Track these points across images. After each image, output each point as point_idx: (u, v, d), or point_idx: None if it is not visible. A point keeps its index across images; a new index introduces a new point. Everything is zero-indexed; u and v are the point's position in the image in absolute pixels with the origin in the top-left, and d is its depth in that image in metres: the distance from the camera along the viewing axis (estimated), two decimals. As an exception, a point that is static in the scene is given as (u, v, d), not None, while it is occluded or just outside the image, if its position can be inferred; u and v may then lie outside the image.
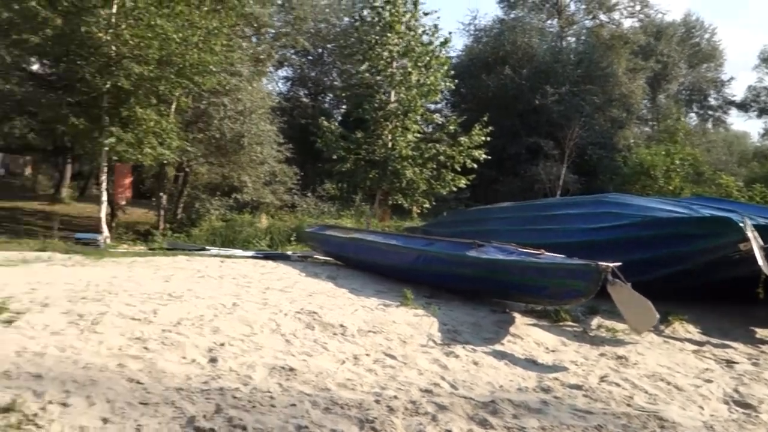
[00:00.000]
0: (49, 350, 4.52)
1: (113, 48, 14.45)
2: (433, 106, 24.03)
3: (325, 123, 17.40)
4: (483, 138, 16.68)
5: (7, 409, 3.53)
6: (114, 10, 14.46)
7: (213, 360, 4.64)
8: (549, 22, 38.03)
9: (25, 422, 3.42)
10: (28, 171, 36.40)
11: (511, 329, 6.16)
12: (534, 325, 6.45)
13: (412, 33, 17.58)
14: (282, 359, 4.80)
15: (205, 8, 15.91)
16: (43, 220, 21.57)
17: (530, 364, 5.23)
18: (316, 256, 11.73)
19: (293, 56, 33.27)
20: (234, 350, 4.90)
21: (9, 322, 5.01)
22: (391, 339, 5.58)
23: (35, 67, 21.57)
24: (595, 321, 6.80)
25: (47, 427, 3.37)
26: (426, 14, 18.21)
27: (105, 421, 3.52)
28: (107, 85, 14.38)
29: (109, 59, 14.46)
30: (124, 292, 6.42)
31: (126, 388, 3.98)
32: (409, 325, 6.01)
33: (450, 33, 19.71)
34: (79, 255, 9.68)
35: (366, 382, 4.48)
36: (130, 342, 4.85)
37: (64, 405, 3.67)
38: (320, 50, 33.98)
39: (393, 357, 5.10)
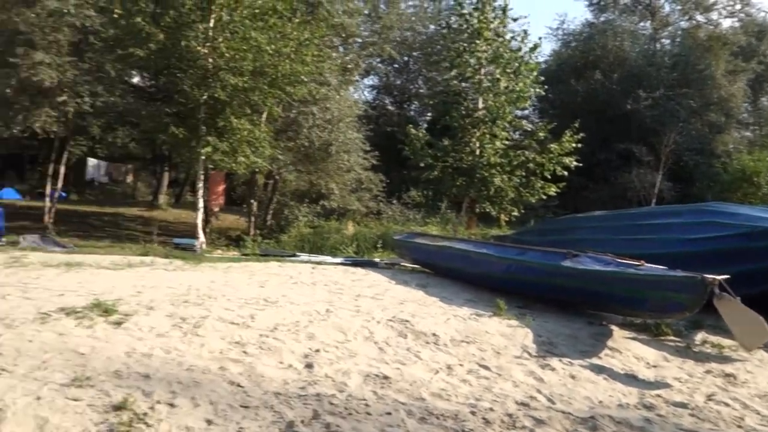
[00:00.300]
0: (156, 352, 4.71)
1: (210, 60, 15.04)
2: (520, 113, 23.66)
3: (413, 131, 17.46)
4: (573, 144, 16.30)
5: (120, 407, 3.70)
6: (211, 24, 15.05)
7: (309, 366, 4.71)
8: (642, 24, 36.79)
9: (135, 420, 3.57)
10: (129, 179, 38.31)
11: (609, 342, 5.95)
12: (633, 338, 6.21)
13: (500, 39, 17.42)
14: (376, 367, 4.82)
15: (297, 20, 16.31)
16: (142, 226, 22.63)
17: (630, 379, 5.03)
18: (403, 264, 11.74)
19: (379, 65, 33.63)
20: (329, 356, 4.96)
21: (118, 323, 5.26)
22: (485, 349, 5.50)
23: (136, 79, 22.72)
24: (700, 336, 6.47)
25: (156, 426, 3.50)
26: (515, 20, 18.01)
27: (209, 422, 3.63)
28: (204, 96, 14.97)
29: (206, 71, 15.06)
30: (222, 296, 6.63)
31: (227, 391, 4.10)
32: (502, 336, 5.91)
33: (540, 38, 19.42)
34: (179, 260, 10.08)
35: (460, 393, 4.43)
36: (230, 346, 4.99)
37: (171, 405, 3.81)
38: (406, 58, 34.19)
39: (487, 368, 5.02)
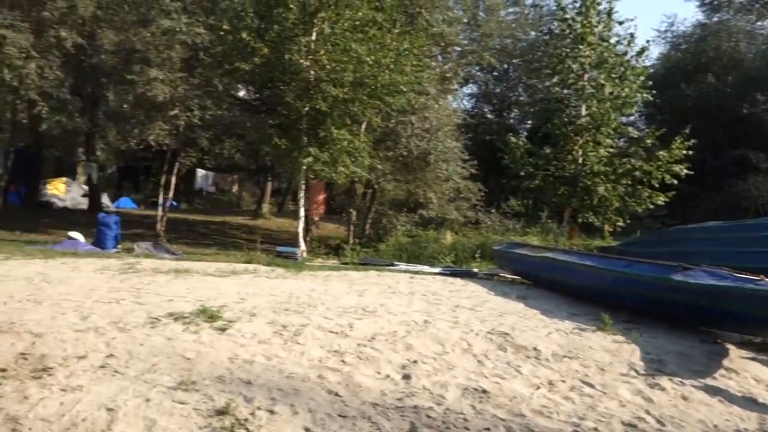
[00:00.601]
0: (257, 358, 4.81)
1: (312, 73, 15.41)
2: (626, 119, 22.78)
3: (513, 139, 17.14)
4: (684, 151, 15.49)
5: (222, 412, 3.80)
6: (313, 37, 15.43)
7: (406, 377, 4.67)
8: (759, 23, 34.58)
9: (237, 426, 3.65)
10: (234, 188, 39.80)
11: (725, 362, 5.57)
12: (752, 359, 5.78)
13: (605, 43, 16.81)
14: (474, 380, 4.71)
15: (397, 31, 16.44)
16: (246, 234, 23.41)
17: (749, 402, 4.67)
18: (502, 274, 11.53)
19: (478, 73, 33.37)
20: (427, 368, 4.90)
21: (222, 329, 5.42)
22: (588, 366, 5.28)
23: (242, 93, 23.62)
24: (827, 358, 5.96)
25: (257, 432, 3.57)
26: (620, 23, 17.35)
27: (307, 430, 3.66)
28: (306, 108, 15.35)
29: (308, 83, 15.43)
30: (322, 305, 6.72)
31: (326, 400, 4.12)
32: (607, 352, 5.65)
33: (647, 41, 18.66)
34: (280, 268, 10.33)
35: (563, 411, 4.25)
36: (329, 354, 5.03)
37: (271, 412, 3.87)
38: (506, 66, 33.76)
39: (591, 385, 4.81)
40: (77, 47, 19.12)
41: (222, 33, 15.65)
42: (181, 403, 3.95)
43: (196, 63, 19.15)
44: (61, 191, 28.97)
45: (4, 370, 4.35)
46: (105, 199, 28.63)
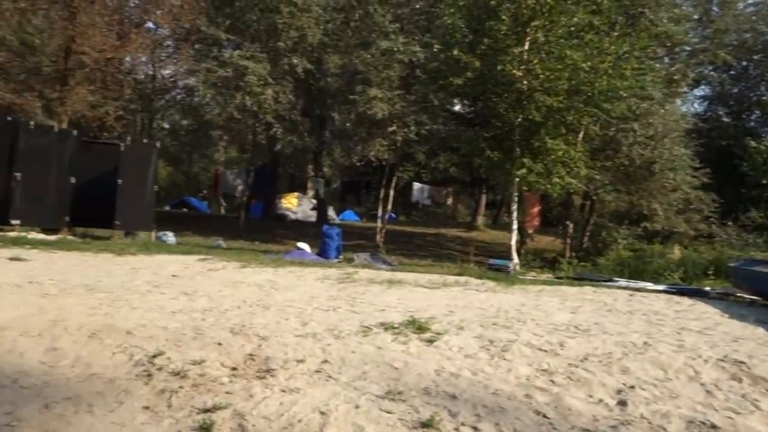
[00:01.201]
0: (463, 372, 4.76)
1: (525, 83, 15.18)
2: None
3: (753, 144, 15.46)
4: None
5: (427, 425, 3.80)
6: (526, 47, 15.20)
7: (622, 403, 4.33)
8: None
9: (440, 440, 3.63)
10: (449, 201, 40.47)
11: None
12: None
13: None
14: (702, 413, 4.23)
15: (616, 33, 15.64)
16: (460, 246, 23.63)
17: None
18: (739, 295, 10.34)
19: (712, 73, 30.59)
20: (645, 395, 4.50)
21: (430, 341, 5.46)
22: None
23: (457, 107, 24.04)
24: None
25: (460, 449, 3.52)
26: None
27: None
28: (519, 119, 15.17)
29: (521, 94, 15.24)
30: (531, 320, 6.51)
31: (533, 420, 3.95)
32: None
33: None
34: (491, 281, 10.22)
35: (812, 457, 3.66)
36: (537, 373, 4.83)
37: (475, 429, 3.80)
38: (744, 63, 30.58)
39: None
40: (306, 72, 20.86)
41: (435, 50, 16.05)
42: (388, 412, 4.02)
43: (412, 80, 19.89)
44: (294, 205, 31.62)
45: (234, 369, 4.77)
46: (331, 212, 30.70)
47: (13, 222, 13.64)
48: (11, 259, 9.73)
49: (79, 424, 3.93)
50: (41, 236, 13.36)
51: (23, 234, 13.22)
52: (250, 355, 5.07)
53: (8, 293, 7.06)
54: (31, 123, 15.15)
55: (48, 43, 19.36)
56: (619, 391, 4.54)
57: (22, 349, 5.17)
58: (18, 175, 13.68)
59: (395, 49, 18.99)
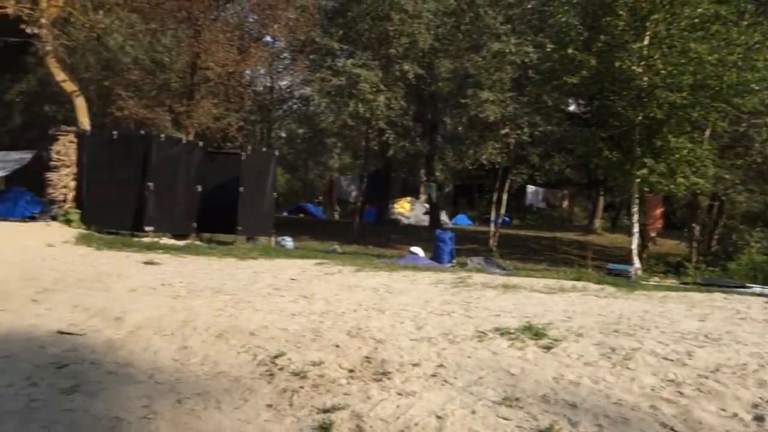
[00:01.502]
0: (583, 380, 4.61)
1: (645, 79, 14.57)
2: None
3: None
4: None
5: (545, 433, 3.73)
6: (646, 42, 14.59)
7: (759, 418, 4.04)
8: None
9: (559, 450, 3.54)
10: (564, 203, 39.40)
11: None
12: None
13: None
14: None
15: (745, 23, 14.69)
16: (577, 250, 22.93)
17: None
18: None
19: None
20: (786, 410, 4.18)
21: (548, 348, 5.33)
22: None
23: (572, 107, 23.41)
24: None
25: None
26: None
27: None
28: (639, 117, 14.59)
29: (641, 91, 14.65)
30: (655, 328, 6.20)
31: (659, 433, 3.78)
32: None
33: None
34: (611, 286, 9.84)
35: None
36: (663, 383, 4.60)
37: (599, 439, 3.68)
38: None
39: None
40: (418, 77, 21.00)
41: (548, 50, 15.72)
42: (505, 419, 3.98)
43: (525, 81, 19.57)
44: (406, 209, 31.89)
45: (352, 371, 4.87)
46: (443, 217, 30.67)
47: (147, 229, 14.54)
48: (146, 263, 10.43)
49: (209, 420, 4.16)
50: (172, 242, 14.17)
51: (156, 240, 14.07)
52: (367, 357, 5.16)
53: (143, 295, 7.59)
54: (162, 136, 16.17)
55: (176, 60, 20.67)
56: (756, 406, 4.24)
57: (156, 347, 5.53)
58: (151, 184, 14.59)
59: (507, 50, 18.75)
